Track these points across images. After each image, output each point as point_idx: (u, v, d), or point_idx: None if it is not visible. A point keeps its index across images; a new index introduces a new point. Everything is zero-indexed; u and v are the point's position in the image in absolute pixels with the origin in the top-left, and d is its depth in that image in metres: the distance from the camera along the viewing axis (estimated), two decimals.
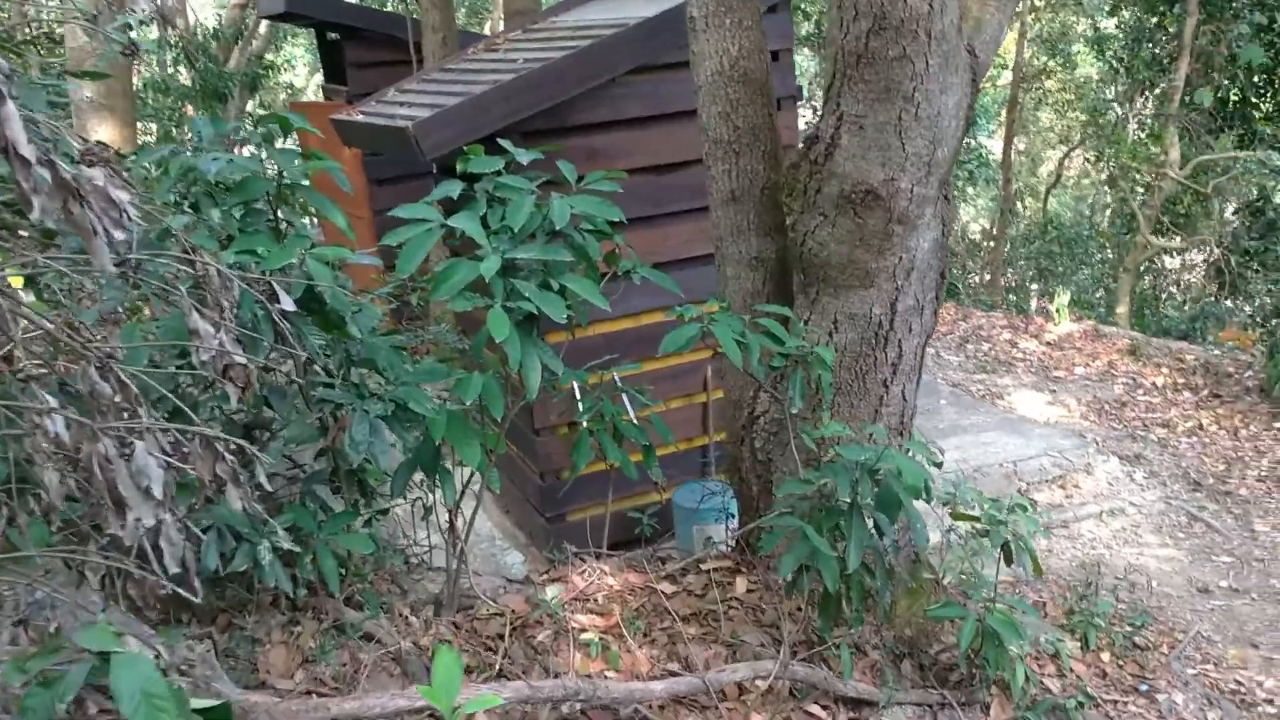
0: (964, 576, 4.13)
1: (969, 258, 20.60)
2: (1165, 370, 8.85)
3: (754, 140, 3.91)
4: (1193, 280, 14.19)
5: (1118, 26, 14.16)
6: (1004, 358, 9.71)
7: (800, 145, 3.66)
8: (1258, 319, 12.09)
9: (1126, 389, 8.60)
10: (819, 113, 3.58)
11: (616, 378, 4.30)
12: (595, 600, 3.71)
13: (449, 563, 3.46)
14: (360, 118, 5.51)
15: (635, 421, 4.53)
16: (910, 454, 3.29)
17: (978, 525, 3.75)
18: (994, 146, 28.30)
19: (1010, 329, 10.64)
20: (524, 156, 3.31)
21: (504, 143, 3.39)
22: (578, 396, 4.56)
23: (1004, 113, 21.25)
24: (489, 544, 6.09)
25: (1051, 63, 19.95)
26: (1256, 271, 12.03)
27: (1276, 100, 13.99)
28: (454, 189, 3.17)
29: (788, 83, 5.78)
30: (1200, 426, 7.57)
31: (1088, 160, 21.91)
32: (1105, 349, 9.67)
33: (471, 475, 3.34)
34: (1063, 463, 7.04)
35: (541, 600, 3.52)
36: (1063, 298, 10.81)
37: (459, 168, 3.17)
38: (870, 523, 3.12)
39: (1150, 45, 12.97)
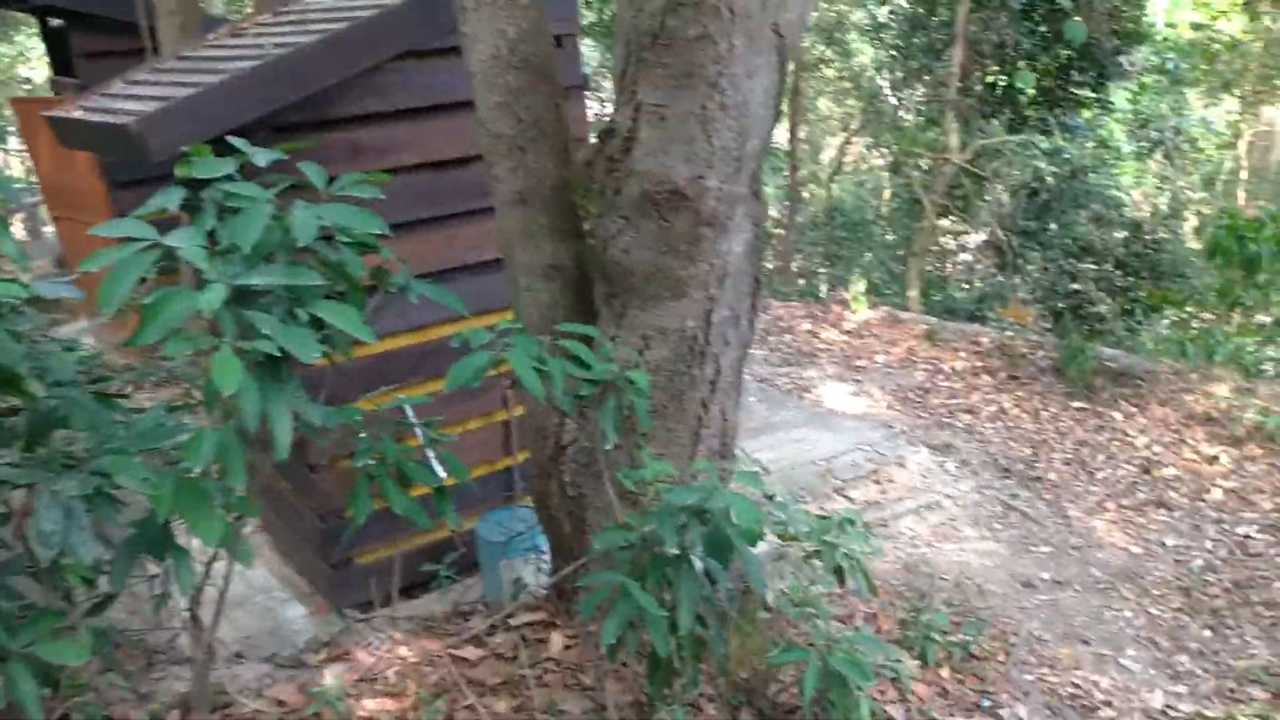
0: (797, 605, 3.83)
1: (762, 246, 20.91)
2: (963, 354, 8.99)
3: (540, 134, 3.45)
4: (977, 261, 14.76)
5: (891, 14, 14.52)
6: (807, 349, 9.66)
7: (594, 140, 3.24)
8: (1035, 295, 12.69)
9: (928, 375, 8.67)
10: (614, 102, 3.17)
11: (408, 410, 3.75)
12: (386, 678, 3.18)
13: (195, 655, 2.85)
14: (79, 114, 4.71)
15: (428, 454, 4.01)
16: (734, 486, 2.92)
17: (807, 547, 3.45)
18: (778, 135, 29.04)
19: (810, 319, 10.64)
20: (261, 156, 2.72)
21: (236, 141, 2.79)
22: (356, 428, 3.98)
23: (786, 103, 21.67)
24: (265, 596, 5.40)
25: (829, 51, 20.45)
26: (1034, 250, 12.56)
27: (1041, 85, 14.70)
28: (174, 198, 2.56)
29: (574, 71, 5.35)
30: (1003, 410, 7.66)
31: (868, 147, 22.68)
32: (903, 335, 9.77)
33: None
34: (875, 457, 6.96)
35: (318, 691, 2.96)
36: (859, 285, 10.90)
37: (178, 171, 2.56)
38: (701, 568, 2.73)
39: (925, 33, 13.34)
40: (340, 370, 3.38)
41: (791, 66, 17.23)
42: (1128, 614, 4.69)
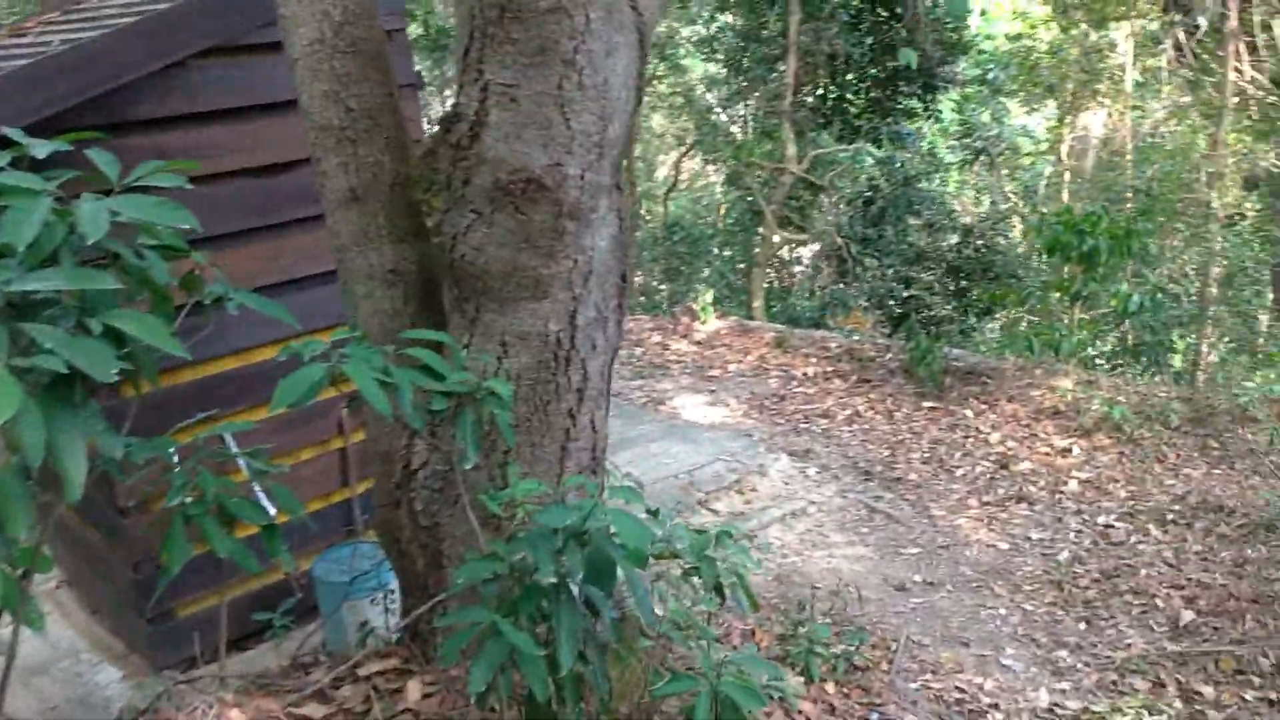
0: (681, 628, 3.58)
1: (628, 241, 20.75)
2: (814, 360, 8.99)
3: (374, 125, 3.12)
4: (818, 270, 14.99)
5: (719, 30, 14.64)
6: (658, 361, 9.50)
7: (438, 128, 2.93)
8: (873, 301, 12.93)
9: (781, 382, 8.62)
10: (458, 84, 2.87)
11: (230, 440, 3.33)
12: None
13: None
14: None
15: (255, 488, 3.59)
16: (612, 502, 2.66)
17: (686, 564, 3.22)
18: None
19: (659, 331, 10.50)
20: (41, 149, 2.31)
21: (11, 131, 2.38)
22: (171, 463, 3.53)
23: None
24: (72, 660, 4.81)
25: (661, 67, 20.56)
26: (873, 257, 12.82)
27: (869, 96, 15.09)
28: None
29: (406, 67, 5.01)
30: (857, 413, 7.66)
31: (704, 162, 22.91)
32: (754, 344, 9.73)
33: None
34: (736, 466, 6.82)
35: None
36: (707, 296, 10.84)
37: None
38: (581, 597, 2.45)
39: (758, 45, 13.47)
40: (151, 400, 2.95)
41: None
42: (1003, 611, 4.64)
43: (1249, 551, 4.94)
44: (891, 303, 13.49)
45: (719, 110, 15.40)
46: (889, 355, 8.84)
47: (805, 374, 8.74)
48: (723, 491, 6.52)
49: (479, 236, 2.83)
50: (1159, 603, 4.56)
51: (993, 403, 7.47)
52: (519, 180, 2.74)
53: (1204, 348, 10.76)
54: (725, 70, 14.29)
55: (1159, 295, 6.74)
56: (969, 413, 7.34)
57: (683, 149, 23.03)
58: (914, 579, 5.05)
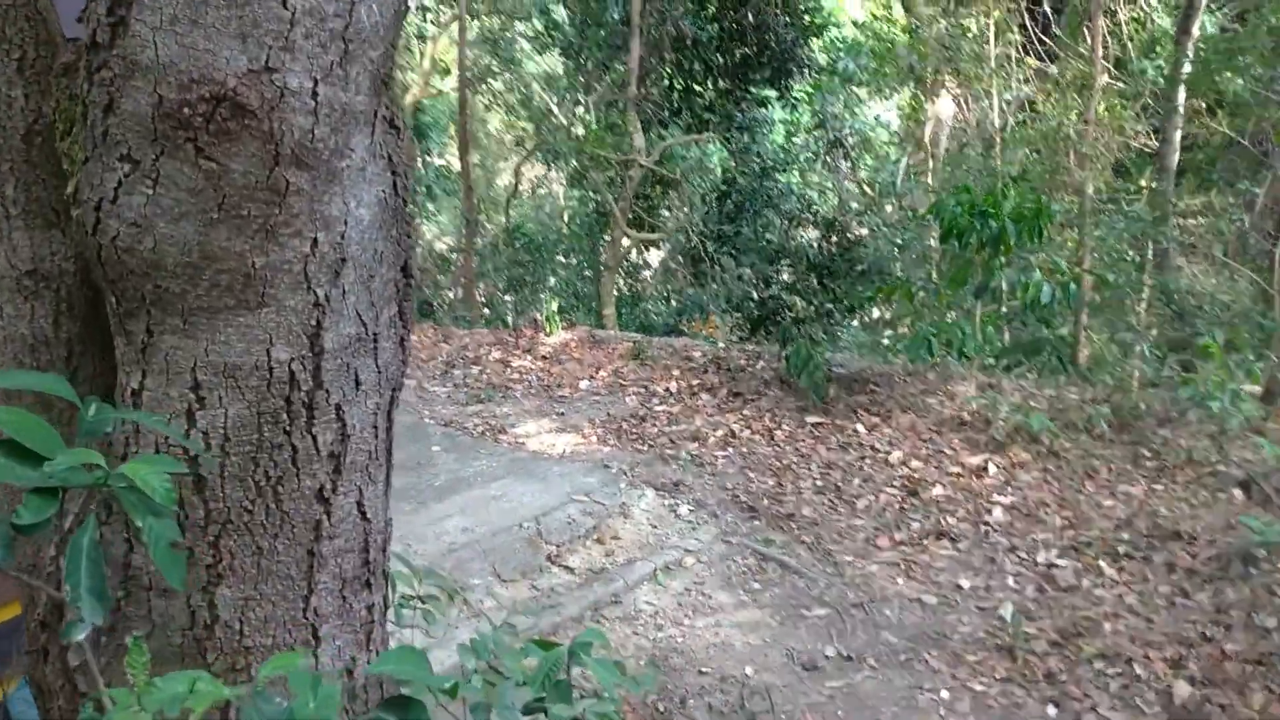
0: None
1: (440, 273, 19.36)
2: (676, 373, 7.99)
3: None
4: (672, 273, 14.04)
5: (552, 23, 13.58)
6: (499, 381, 8.33)
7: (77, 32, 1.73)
8: (732, 303, 12.08)
9: (641, 400, 7.58)
10: None
11: None
12: None
13: None
14: None
15: None
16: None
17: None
18: (452, 162, 27.66)
19: (500, 346, 9.33)
20: None
21: None
22: None
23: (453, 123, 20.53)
24: None
25: (495, 63, 19.35)
26: (731, 256, 11.93)
27: (717, 87, 14.27)
28: None
29: None
30: (732, 434, 6.67)
31: (545, 166, 21.76)
32: (607, 357, 8.67)
33: None
34: (593, 508, 5.72)
35: None
36: (552, 304, 9.72)
37: None
38: None
39: (598, 30, 12.46)
40: None
41: (453, 84, 15.65)
42: (945, 695, 3.68)
43: (1229, 592, 4.13)
44: (751, 304, 12.69)
45: (557, 109, 14.29)
46: (760, 364, 7.91)
47: (668, 389, 7.72)
48: (578, 542, 5.40)
49: (138, 203, 1.63)
50: (1139, 670, 3.68)
51: (886, 414, 6.61)
52: (199, 98, 1.56)
53: (1082, 339, 10.28)
54: (564, 63, 13.22)
55: (1072, 285, 5.96)
56: (861, 427, 6.45)
57: (523, 154, 21.89)
58: (826, 653, 4.04)
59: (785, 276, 12.42)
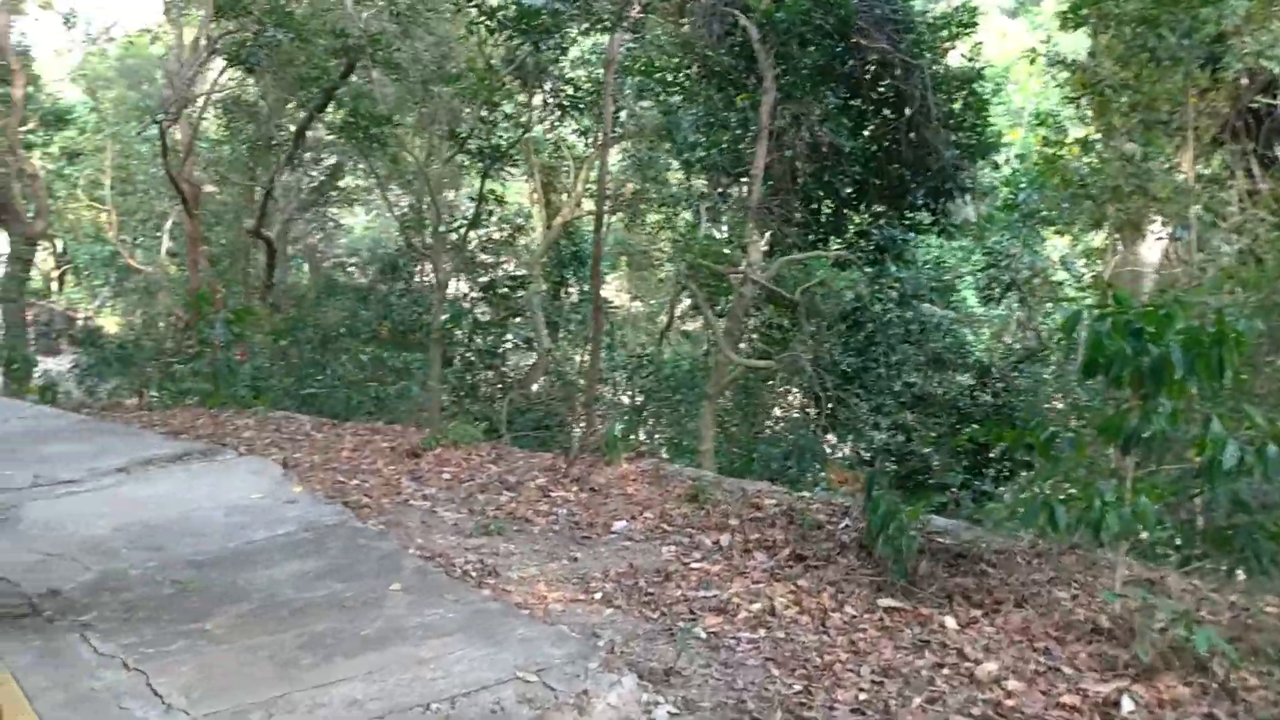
0: None
1: (562, 400, 18.23)
2: (734, 522, 6.37)
3: None
4: (787, 409, 12.40)
5: (672, 114, 12.54)
6: (522, 513, 6.89)
7: None
8: (863, 456, 10.31)
9: (679, 552, 5.98)
10: None
11: None
12: None
13: None
14: None
15: None
16: None
17: None
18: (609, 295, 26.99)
19: (550, 472, 7.93)
20: None
21: None
22: None
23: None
24: None
25: (640, 183, 18.52)
26: (858, 397, 10.23)
27: (872, 210, 12.83)
28: None
29: None
30: (772, 610, 4.99)
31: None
32: (662, 495, 7.13)
33: None
34: (538, 695, 4.13)
35: None
36: (615, 428, 8.27)
37: None
38: None
39: (723, 131, 11.29)
40: None
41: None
42: None
43: None
44: (883, 455, 10.89)
45: (684, 202, 13.17)
46: (845, 523, 6.20)
47: (716, 542, 6.10)
48: None
49: None
50: None
51: (992, 607, 4.80)
52: None
53: None
54: (688, 161, 12.11)
55: (1273, 447, 4.09)
56: (950, 621, 4.67)
57: (675, 288, 20.82)
58: None
59: (925, 427, 10.64)
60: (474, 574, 5.69)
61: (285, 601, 5.25)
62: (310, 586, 5.45)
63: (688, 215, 13.78)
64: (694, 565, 5.75)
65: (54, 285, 36.99)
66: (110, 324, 30.83)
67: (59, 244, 35.48)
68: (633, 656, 4.54)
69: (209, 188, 24.43)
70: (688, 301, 20.21)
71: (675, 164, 15.27)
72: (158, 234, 27.43)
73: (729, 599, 5.17)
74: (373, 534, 6.33)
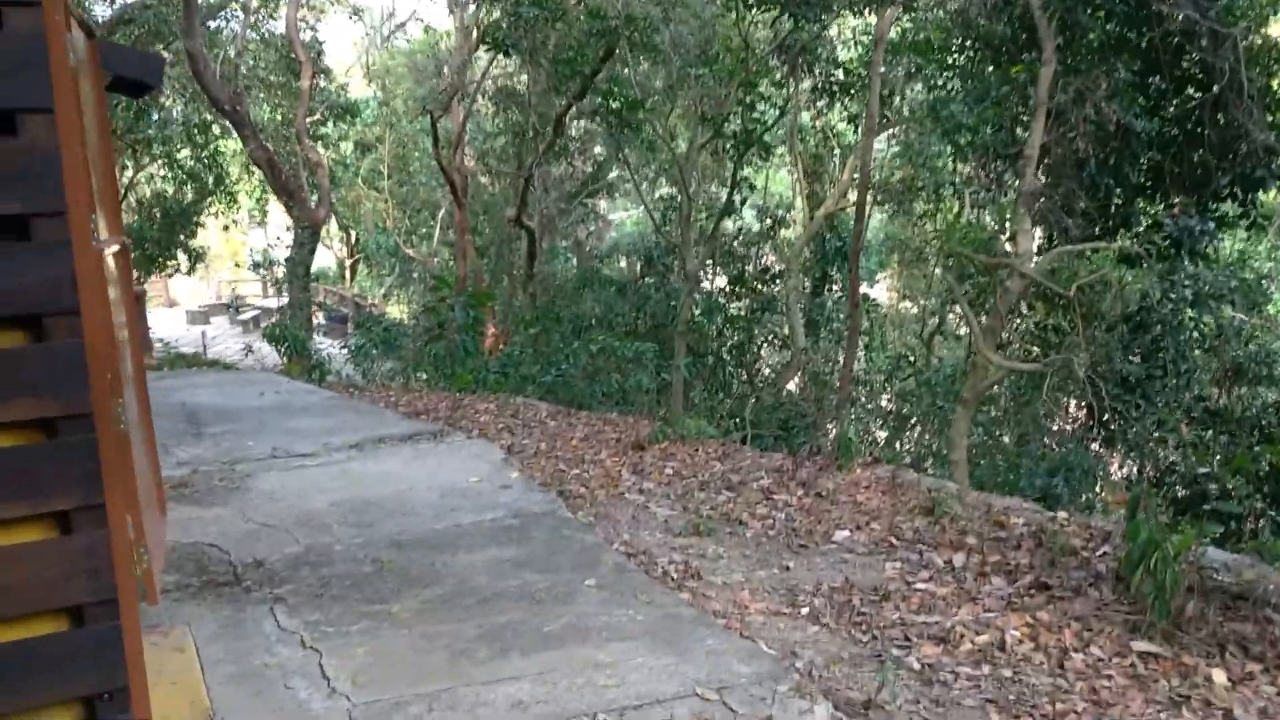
0: None
1: (815, 400, 17.66)
2: (972, 540, 5.73)
3: None
4: (1058, 420, 11.32)
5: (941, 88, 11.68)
6: (738, 515, 6.52)
7: None
8: (1142, 474, 9.23)
9: (903, 570, 5.43)
10: None
11: None
12: None
13: None
14: None
15: None
16: None
17: None
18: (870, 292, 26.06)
19: (776, 474, 7.51)
20: None
21: None
22: None
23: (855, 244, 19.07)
24: None
25: (913, 171, 17.62)
26: (1138, 409, 9.16)
27: (1168, 200, 11.55)
28: None
29: None
30: (1002, 644, 4.39)
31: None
32: (894, 506, 6.56)
33: None
34: (719, 714, 3.77)
35: None
36: (849, 430, 7.74)
37: None
38: None
39: (997, 105, 10.43)
40: None
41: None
42: None
43: None
44: (1174, 481, 9.70)
45: (953, 185, 12.31)
46: (1104, 550, 5.44)
47: (949, 562, 5.50)
48: None
49: None
50: None
51: (1275, 662, 4.00)
52: None
53: None
54: (956, 143, 11.27)
55: None
56: (1219, 676, 3.92)
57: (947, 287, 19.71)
58: None
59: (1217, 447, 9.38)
60: (674, 575, 5.39)
61: (476, 589, 5.13)
62: (504, 575, 5.31)
63: (954, 203, 12.93)
64: (918, 586, 5.19)
65: (348, 273, 39.79)
66: (395, 311, 32.82)
67: (352, 234, 38.10)
68: (831, 683, 4.08)
69: (482, 179, 25.47)
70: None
71: (946, 149, 14.39)
72: (431, 224, 28.89)
73: (953, 627, 4.60)
74: (579, 525, 6.14)
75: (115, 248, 5.38)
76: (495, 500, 6.63)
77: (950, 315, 22.45)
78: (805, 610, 4.93)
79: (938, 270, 19.50)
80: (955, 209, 13.45)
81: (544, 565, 5.45)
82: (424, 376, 13.42)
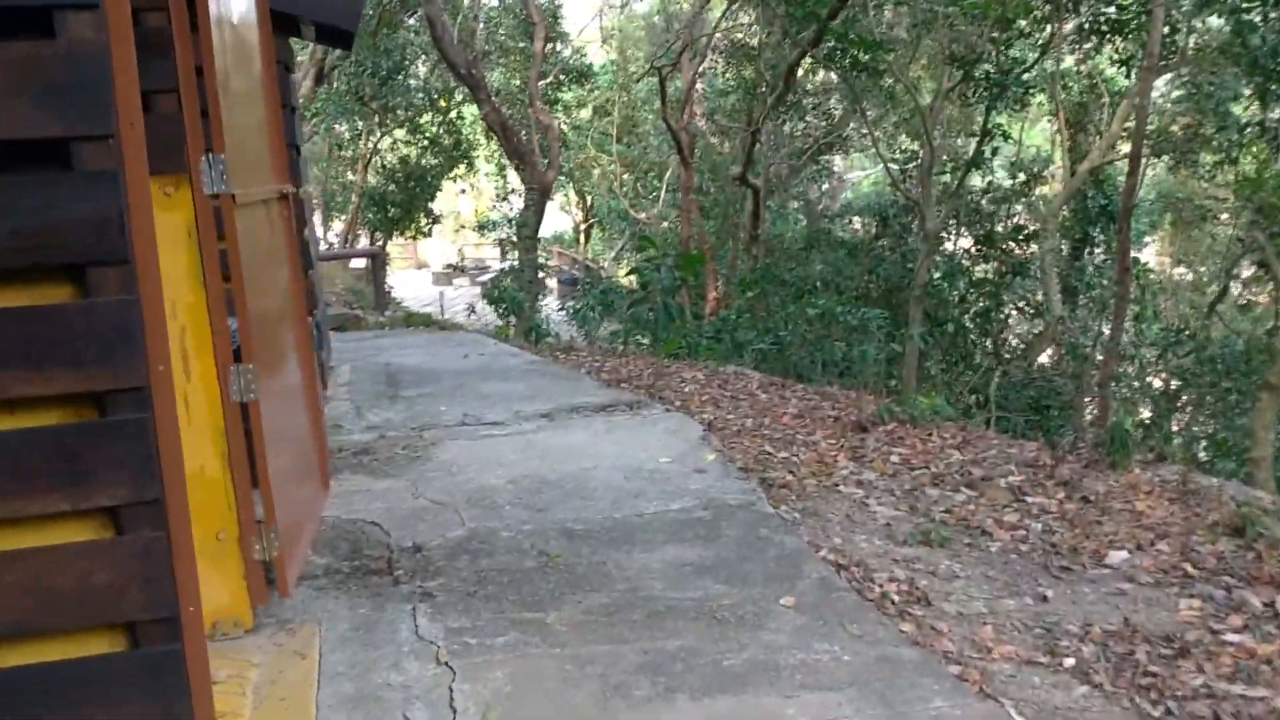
0: None
1: (1073, 375, 15.78)
2: None
3: None
4: None
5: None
6: (979, 521, 5.31)
7: None
8: None
9: (1204, 611, 4.12)
10: None
11: None
12: None
13: None
14: None
15: None
16: None
17: None
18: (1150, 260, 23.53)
19: (1030, 469, 6.22)
20: None
21: None
22: None
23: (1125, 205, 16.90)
24: None
25: (1199, 118, 15.37)
26: None
27: None
28: None
29: None
30: None
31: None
32: (1186, 520, 5.18)
33: None
34: None
35: None
36: (1126, 419, 6.31)
37: None
38: None
39: None
40: None
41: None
42: None
43: None
44: None
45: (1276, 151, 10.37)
46: None
47: (1271, 605, 4.14)
48: None
49: None
50: None
51: None
52: None
53: None
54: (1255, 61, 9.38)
55: None
56: None
57: (1238, 242, 17.20)
58: None
59: None
60: (895, 598, 4.28)
61: (648, 599, 4.23)
62: (683, 583, 4.39)
63: (1257, 151, 10.95)
64: (1227, 637, 3.88)
65: (582, 237, 39.95)
66: (623, 274, 32.55)
67: (587, 198, 38.12)
68: None
69: (711, 139, 24.55)
70: (1251, 265, 16.69)
71: (1245, 92, 12.27)
72: (658, 185, 28.28)
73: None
74: (780, 523, 5.12)
75: (270, 194, 4.76)
76: (685, 486, 5.70)
77: (1234, 285, 19.87)
78: (1070, 661, 3.73)
79: (1227, 230, 17.16)
80: (1264, 156, 11.44)
81: (732, 573, 4.48)
82: (644, 341, 12.72)
